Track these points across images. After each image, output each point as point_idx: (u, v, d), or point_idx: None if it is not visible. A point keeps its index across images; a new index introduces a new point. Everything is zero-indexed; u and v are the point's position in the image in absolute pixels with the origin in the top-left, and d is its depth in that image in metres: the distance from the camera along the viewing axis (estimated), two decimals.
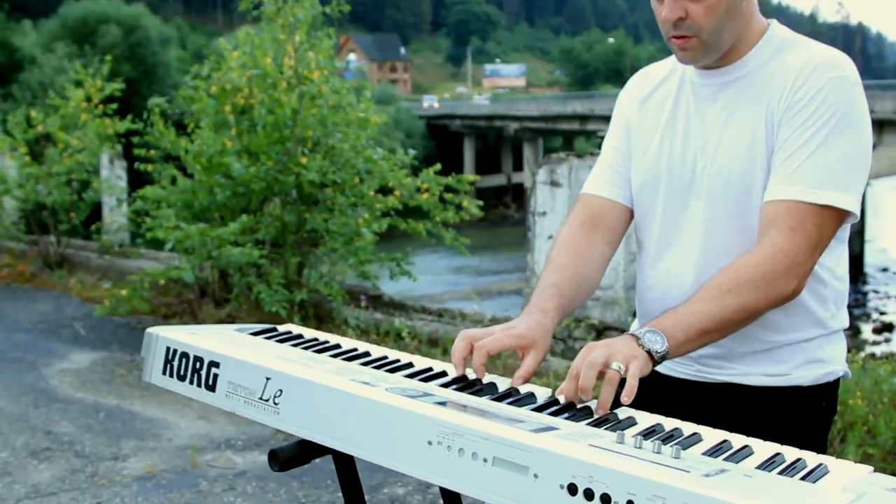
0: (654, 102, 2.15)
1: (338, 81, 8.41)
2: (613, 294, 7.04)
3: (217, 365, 1.78)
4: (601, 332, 7.00)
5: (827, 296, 2.04)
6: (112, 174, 12.43)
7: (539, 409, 1.63)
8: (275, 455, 1.72)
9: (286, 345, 1.99)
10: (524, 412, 1.58)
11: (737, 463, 1.41)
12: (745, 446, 1.51)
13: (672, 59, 2.15)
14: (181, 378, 1.84)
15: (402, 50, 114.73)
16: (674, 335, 1.75)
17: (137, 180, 9.87)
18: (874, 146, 2.12)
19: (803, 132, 1.88)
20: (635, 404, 1.67)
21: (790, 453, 1.49)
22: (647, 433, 1.54)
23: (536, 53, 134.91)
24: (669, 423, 1.60)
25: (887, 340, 26.78)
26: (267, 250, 7.67)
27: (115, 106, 11.53)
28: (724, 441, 1.52)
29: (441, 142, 59.40)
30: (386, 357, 1.95)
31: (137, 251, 11.03)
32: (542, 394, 1.75)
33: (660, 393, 1.94)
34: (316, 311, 7.79)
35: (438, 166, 8.70)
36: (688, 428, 1.59)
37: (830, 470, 1.42)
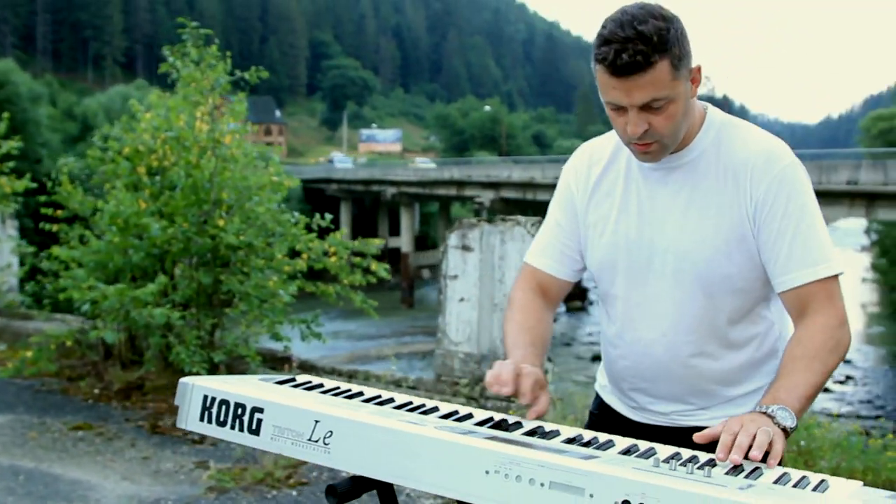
0: (605, 185, 2.31)
1: (249, 145, 8.57)
2: (468, 349, 7.32)
3: (261, 410, 1.92)
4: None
5: (778, 348, 2.30)
6: (2, 234, 12.19)
7: (569, 442, 1.83)
8: (333, 490, 1.86)
9: (315, 392, 2.14)
10: (560, 444, 1.80)
11: (755, 480, 1.63)
12: (757, 468, 1.72)
13: (612, 136, 2.32)
14: (221, 424, 1.98)
15: (278, 113, 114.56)
16: (793, 406, 1.92)
17: (43, 240, 9.69)
18: None
19: (788, 222, 2.11)
20: None
21: (794, 473, 1.72)
22: (672, 458, 1.73)
23: (412, 119, 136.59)
24: (686, 452, 1.82)
25: None
26: (182, 311, 7.68)
27: (11, 164, 11.34)
28: (739, 464, 1.73)
29: (317, 206, 59.10)
30: (411, 402, 2.11)
31: (33, 312, 10.81)
32: (566, 430, 1.94)
33: (634, 437, 2.04)
34: (230, 372, 7.82)
35: (344, 230, 8.89)
36: (702, 455, 1.79)
37: (830, 485, 1.65)
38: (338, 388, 2.21)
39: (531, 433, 1.90)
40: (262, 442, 1.92)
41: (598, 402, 2.56)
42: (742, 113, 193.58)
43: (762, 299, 2.24)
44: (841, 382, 32.30)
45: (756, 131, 2.22)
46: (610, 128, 2.25)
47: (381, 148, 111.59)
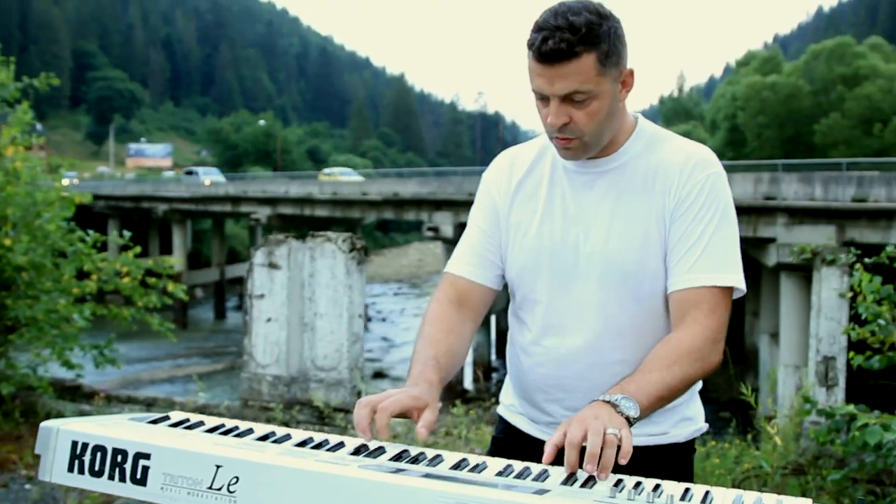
0: (528, 188, 2.27)
1: (35, 158, 7.91)
2: (337, 375, 7.02)
3: (147, 457, 1.69)
4: (325, 413, 6.92)
5: None
6: None
7: (501, 475, 1.71)
8: None
9: (198, 431, 1.89)
10: (501, 479, 1.67)
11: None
12: (707, 492, 1.64)
13: (538, 142, 2.31)
14: (96, 474, 1.72)
15: (38, 126, 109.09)
16: (640, 401, 1.86)
17: None
18: None
19: (697, 225, 2.10)
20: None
21: (748, 495, 1.64)
22: (617, 485, 1.62)
23: (182, 133, 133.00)
24: (630, 480, 1.70)
25: None
26: None
27: None
28: (687, 489, 1.65)
29: (83, 223, 56.64)
30: (311, 438, 1.89)
31: None
32: (492, 462, 1.79)
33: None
34: (22, 405, 7.14)
35: (138, 249, 8.36)
36: (648, 483, 1.70)
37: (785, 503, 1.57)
38: (222, 425, 1.95)
39: (457, 467, 1.74)
40: (150, 493, 1.68)
41: (504, 425, 2.46)
42: (512, 129, 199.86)
43: None
44: None
45: (687, 141, 2.23)
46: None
47: (150, 163, 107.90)
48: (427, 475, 1.58)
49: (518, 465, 1.76)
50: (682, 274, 2.09)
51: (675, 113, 56.79)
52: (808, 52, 42.35)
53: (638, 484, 1.67)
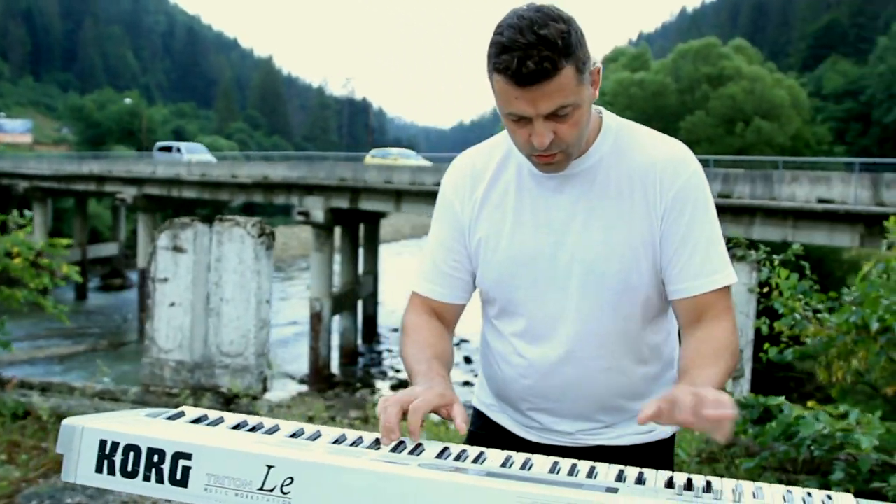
0: (494, 198, 2.17)
1: None
2: (244, 361, 6.99)
3: (187, 457, 1.62)
4: (231, 399, 6.89)
5: (674, 358, 2.28)
6: None
7: (552, 472, 1.68)
8: None
9: (226, 427, 1.82)
10: (559, 477, 1.64)
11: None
12: (759, 487, 1.64)
13: (498, 147, 2.20)
14: (129, 475, 1.64)
15: None
16: None
17: None
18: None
19: (692, 229, 2.05)
20: None
21: (797, 491, 1.65)
22: (687, 487, 1.64)
23: (42, 109, 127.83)
24: (681, 476, 1.69)
25: None
26: None
27: None
28: (735, 486, 1.64)
29: None
30: (345, 436, 1.82)
31: None
32: (537, 459, 1.76)
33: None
34: None
35: (30, 229, 8.13)
36: (697, 480, 1.68)
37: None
38: (245, 422, 1.86)
39: (505, 464, 1.71)
40: (192, 495, 1.61)
41: (483, 420, 2.40)
42: (380, 116, 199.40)
43: (665, 308, 2.18)
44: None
45: (655, 135, 2.16)
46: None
47: (8, 139, 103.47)
48: (489, 474, 1.56)
49: (565, 463, 1.73)
50: (690, 280, 2.06)
51: None
52: (675, 52, 43.63)
53: (690, 482, 1.66)
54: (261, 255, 6.98)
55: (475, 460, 1.71)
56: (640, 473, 1.69)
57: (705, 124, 39.74)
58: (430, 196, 33.93)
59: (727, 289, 2.08)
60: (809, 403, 4.61)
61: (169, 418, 1.87)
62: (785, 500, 1.56)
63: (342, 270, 38.21)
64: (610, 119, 2.15)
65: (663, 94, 40.90)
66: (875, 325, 4.86)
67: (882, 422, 4.19)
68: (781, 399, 4.45)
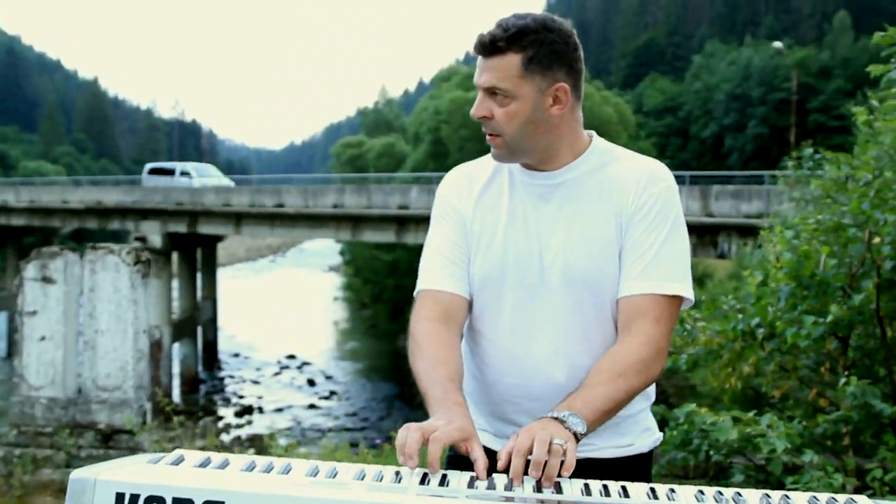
0: (489, 199, 2.28)
1: None
2: (122, 395, 6.69)
3: None
4: (110, 436, 6.59)
5: None
6: None
7: (587, 494, 1.73)
8: None
9: (236, 470, 1.72)
10: (609, 499, 1.69)
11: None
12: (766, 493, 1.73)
13: (488, 159, 2.32)
14: None
15: None
16: (587, 417, 1.93)
17: None
18: None
19: (649, 234, 2.16)
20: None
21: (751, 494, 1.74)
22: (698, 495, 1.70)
23: None
24: (711, 489, 1.75)
25: (249, 423, 28.31)
26: None
27: None
28: (700, 490, 1.74)
29: None
30: (364, 471, 1.79)
31: None
32: (574, 483, 1.80)
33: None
34: None
35: None
36: (727, 492, 1.74)
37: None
38: (254, 464, 1.77)
39: (539, 489, 1.76)
40: None
41: None
42: (211, 138, 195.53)
43: None
44: (325, 398, 33.73)
45: (641, 157, 2.29)
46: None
47: None
48: (542, 501, 1.62)
49: (595, 485, 1.78)
50: (630, 280, 2.15)
51: (376, 125, 57.74)
52: None
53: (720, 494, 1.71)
54: (137, 284, 6.72)
55: (509, 487, 1.76)
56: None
57: None
58: (271, 218, 33.53)
59: (668, 300, 2.15)
60: (703, 410, 4.74)
61: (173, 463, 1.75)
62: (697, 500, 1.68)
63: (180, 296, 37.26)
64: (599, 141, 2.29)
65: None
66: (761, 332, 5.06)
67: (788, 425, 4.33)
68: (692, 406, 4.58)
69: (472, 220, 2.28)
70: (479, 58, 2.12)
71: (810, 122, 56.99)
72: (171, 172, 45.18)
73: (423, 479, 1.75)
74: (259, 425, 27.50)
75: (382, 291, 45.70)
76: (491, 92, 2.11)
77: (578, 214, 2.19)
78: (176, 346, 34.67)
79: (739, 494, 1.69)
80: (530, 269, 2.20)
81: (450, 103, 41.23)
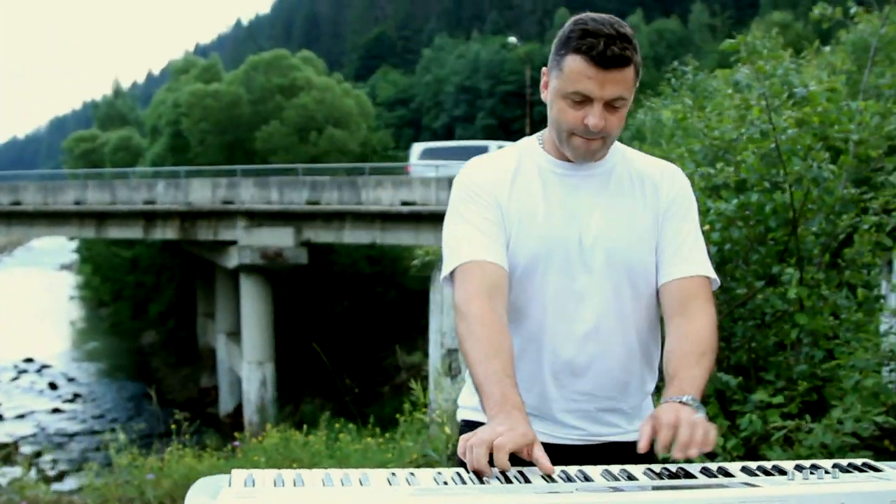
0: (521, 184, 2.33)
1: None
2: None
3: None
4: None
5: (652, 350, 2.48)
6: None
7: (708, 475, 1.84)
8: None
9: (317, 486, 1.72)
10: (698, 479, 1.81)
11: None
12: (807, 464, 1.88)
13: (510, 152, 2.41)
14: None
15: None
16: (697, 398, 2.05)
17: None
18: None
19: (684, 224, 2.35)
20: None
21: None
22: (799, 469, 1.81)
23: None
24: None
25: None
26: None
27: None
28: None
29: None
30: (460, 474, 1.86)
31: None
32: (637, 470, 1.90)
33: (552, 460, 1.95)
34: None
35: None
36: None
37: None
38: (328, 476, 1.77)
39: (659, 476, 1.85)
40: None
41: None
42: None
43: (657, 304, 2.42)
44: (69, 401, 32.71)
45: (647, 155, 2.51)
46: None
47: None
48: (656, 488, 1.71)
49: (671, 466, 1.89)
50: (678, 265, 2.30)
51: (109, 118, 55.71)
52: (247, 63, 44.09)
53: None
54: None
55: (615, 478, 1.84)
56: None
57: (280, 134, 40.62)
58: (7, 216, 31.83)
59: (709, 283, 2.34)
60: None
61: (250, 486, 1.70)
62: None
63: None
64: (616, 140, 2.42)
65: (238, 105, 41.29)
66: None
67: None
68: None
69: (508, 203, 2.30)
70: (597, 69, 2.12)
71: (536, 112, 59.81)
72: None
73: (507, 480, 1.84)
74: None
75: (123, 289, 44.46)
76: (610, 101, 2.16)
77: (614, 202, 2.32)
78: None
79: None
80: (570, 250, 2.28)
81: (190, 96, 40.58)
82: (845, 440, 3.54)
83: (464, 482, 1.77)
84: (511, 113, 69.72)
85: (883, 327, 4.43)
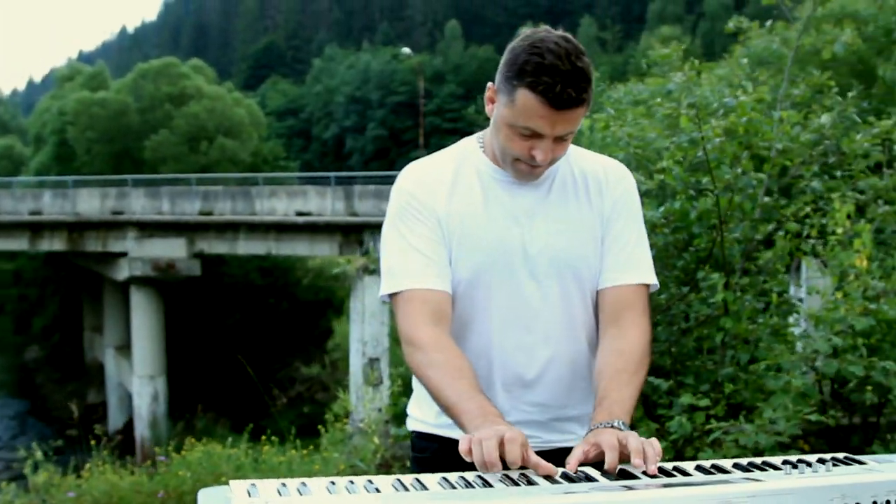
0: (460, 193, 2.25)
1: None
2: None
3: None
4: None
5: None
6: None
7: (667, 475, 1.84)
8: None
9: (323, 494, 1.69)
10: (693, 476, 1.81)
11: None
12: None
13: (447, 156, 2.34)
14: None
15: None
16: (626, 421, 2.01)
17: None
18: None
19: (627, 225, 2.29)
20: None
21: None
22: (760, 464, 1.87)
23: None
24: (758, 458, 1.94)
25: None
26: None
27: None
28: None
29: None
30: (464, 478, 1.82)
31: None
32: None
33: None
34: None
35: None
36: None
37: None
38: (332, 483, 1.76)
39: (624, 476, 1.84)
40: None
41: (435, 443, 2.35)
42: None
43: None
44: None
45: (597, 154, 2.44)
46: None
47: None
48: (666, 486, 1.72)
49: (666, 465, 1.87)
50: (615, 272, 2.25)
51: None
52: (136, 70, 43.29)
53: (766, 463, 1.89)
54: None
55: (625, 477, 1.83)
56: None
57: (169, 143, 40.00)
58: None
59: (646, 290, 2.29)
60: None
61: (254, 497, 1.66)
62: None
63: None
64: None
65: (126, 114, 40.52)
66: None
67: None
68: None
69: (447, 216, 2.23)
70: (550, 109, 2.03)
71: (427, 123, 60.30)
72: None
73: (512, 480, 1.81)
74: None
75: (5, 303, 43.13)
76: (559, 136, 2.09)
77: (557, 206, 2.25)
78: None
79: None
80: (514, 257, 2.21)
81: (76, 104, 39.70)
82: (778, 440, 3.69)
83: (471, 486, 1.75)
84: (402, 123, 70.02)
85: (797, 330, 4.65)
